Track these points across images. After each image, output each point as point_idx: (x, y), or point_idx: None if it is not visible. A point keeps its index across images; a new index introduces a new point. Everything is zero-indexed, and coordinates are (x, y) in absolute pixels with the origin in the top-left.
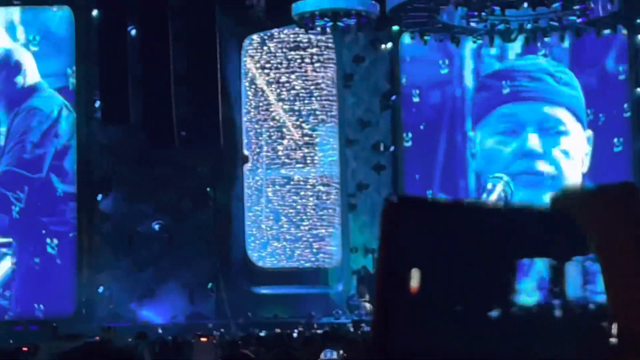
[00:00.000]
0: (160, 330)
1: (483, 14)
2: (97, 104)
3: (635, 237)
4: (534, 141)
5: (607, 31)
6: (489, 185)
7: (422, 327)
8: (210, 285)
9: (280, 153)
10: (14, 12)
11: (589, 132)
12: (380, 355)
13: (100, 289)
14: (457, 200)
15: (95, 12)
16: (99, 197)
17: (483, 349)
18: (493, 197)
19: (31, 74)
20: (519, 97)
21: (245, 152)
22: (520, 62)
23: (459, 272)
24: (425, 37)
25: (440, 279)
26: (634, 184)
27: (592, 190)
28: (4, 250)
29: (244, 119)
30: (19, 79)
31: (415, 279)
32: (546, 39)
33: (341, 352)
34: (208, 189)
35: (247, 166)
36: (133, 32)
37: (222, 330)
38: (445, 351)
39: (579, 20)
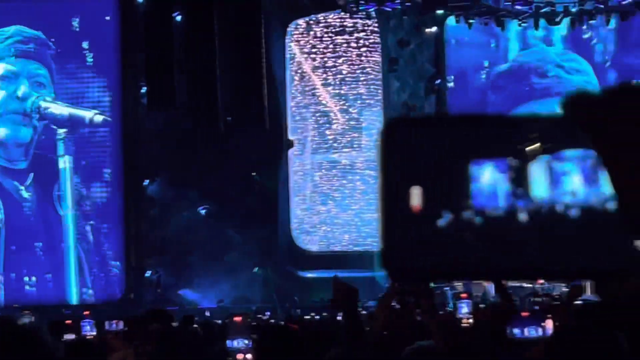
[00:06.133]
0: (207, 314)
1: None
2: (144, 89)
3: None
4: None
5: None
6: None
7: (422, 242)
8: (256, 269)
9: (327, 137)
10: None
11: None
12: (388, 272)
13: (148, 273)
14: (452, 114)
15: None
16: (146, 182)
17: (468, 259)
18: None
19: None
20: (532, 96)
21: (291, 137)
22: (527, 58)
23: (444, 184)
24: (470, 20)
25: (433, 193)
26: (636, 85)
27: (598, 91)
28: None
29: (291, 104)
30: None
31: (415, 196)
32: (592, 22)
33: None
34: (254, 174)
35: (294, 151)
36: (178, 17)
37: (268, 313)
38: (441, 265)
39: (625, 2)
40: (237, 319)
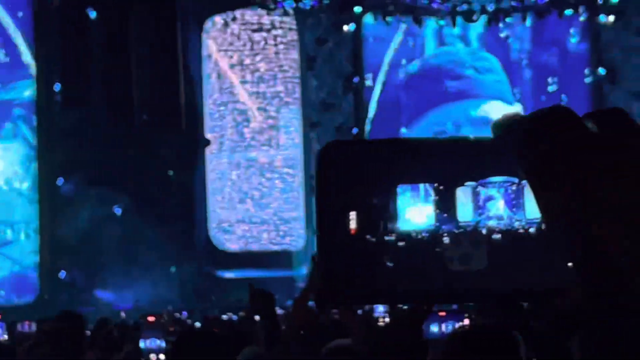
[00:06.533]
0: (123, 315)
1: None
2: (58, 87)
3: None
4: None
5: (569, 11)
6: None
7: (356, 266)
8: (173, 269)
9: (244, 136)
10: None
11: (519, 106)
12: (326, 296)
13: (62, 274)
14: (390, 138)
15: None
16: (60, 181)
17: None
18: None
19: None
20: (446, 98)
21: (208, 135)
22: (440, 59)
23: (373, 208)
24: (388, 18)
25: (364, 217)
26: (567, 107)
27: (528, 115)
28: None
29: (208, 102)
30: None
31: (349, 220)
32: (508, 20)
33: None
34: (170, 173)
35: (211, 149)
36: (93, 14)
37: (185, 313)
38: (372, 289)
39: (541, 1)
40: (151, 318)
